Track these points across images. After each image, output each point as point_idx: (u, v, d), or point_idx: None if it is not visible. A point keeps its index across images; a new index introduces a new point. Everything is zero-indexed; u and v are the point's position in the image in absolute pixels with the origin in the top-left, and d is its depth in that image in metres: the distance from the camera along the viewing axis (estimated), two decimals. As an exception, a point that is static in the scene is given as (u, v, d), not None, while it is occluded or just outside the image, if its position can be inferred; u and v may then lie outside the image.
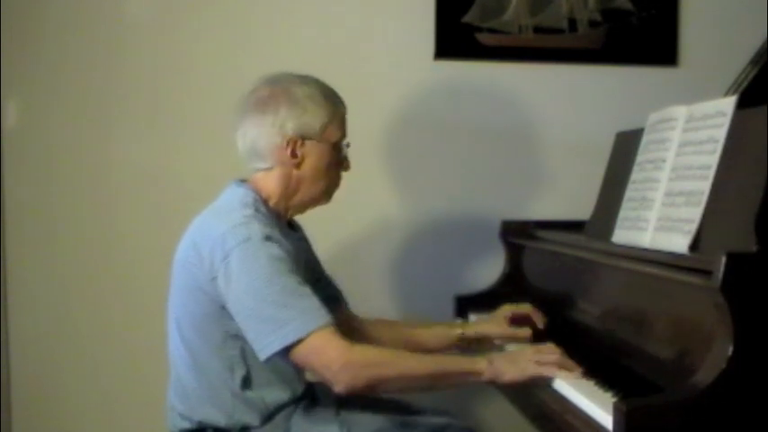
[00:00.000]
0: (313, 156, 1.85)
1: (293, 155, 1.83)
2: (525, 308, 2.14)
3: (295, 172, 1.85)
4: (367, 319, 2.12)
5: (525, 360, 1.75)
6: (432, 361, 1.81)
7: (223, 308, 1.72)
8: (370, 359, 1.71)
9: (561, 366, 1.72)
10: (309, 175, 1.86)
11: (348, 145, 1.92)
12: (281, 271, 1.69)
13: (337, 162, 1.89)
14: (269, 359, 1.69)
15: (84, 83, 2.61)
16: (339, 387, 1.68)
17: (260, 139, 1.84)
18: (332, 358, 1.66)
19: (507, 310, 2.13)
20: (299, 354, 1.67)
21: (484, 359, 1.76)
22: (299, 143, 1.83)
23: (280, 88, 1.84)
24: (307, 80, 1.87)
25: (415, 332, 2.12)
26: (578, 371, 1.71)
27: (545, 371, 1.72)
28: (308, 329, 1.66)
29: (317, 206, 1.94)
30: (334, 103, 1.87)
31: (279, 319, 1.66)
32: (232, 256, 1.69)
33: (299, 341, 1.65)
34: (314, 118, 1.83)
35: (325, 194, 1.91)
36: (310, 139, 1.83)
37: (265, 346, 1.67)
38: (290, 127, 1.82)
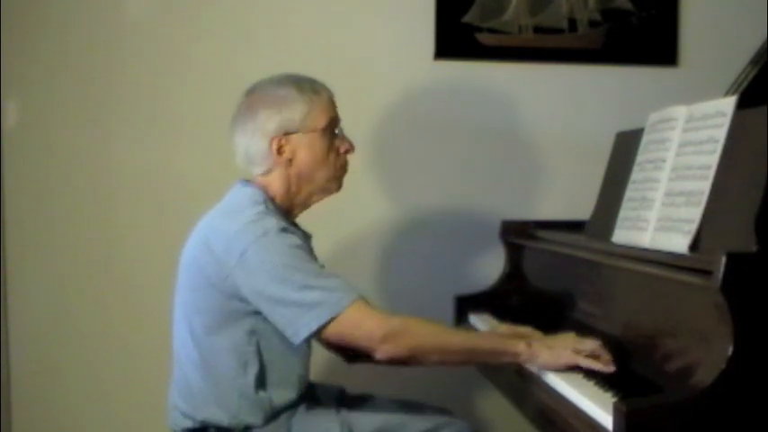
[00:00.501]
0: (303, 147, 1.85)
1: (279, 151, 1.84)
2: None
3: (291, 169, 1.86)
4: None
5: (562, 347, 1.75)
6: (471, 336, 1.84)
7: (240, 303, 1.74)
8: (412, 328, 1.73)
9: (597, 358, 1.71)
10: (306, 168, 1.86)
11: (341, 129, 1.91)
12: (302, 257, 1.73)
13: (332, 146, 1.89)
14: (302, 342, 1.71)
15: (84, 83, 2.61)
16: (381, 355, 1.70)
17: (250, 148, 1.85)
18: (372, 328, 1.69)
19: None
20: (337, 329, 1.69)
21: (523, 341, 1.78)
22: (282, 139, 1.84)
23: (255, 95, 1.87)
24: (280, 79, 1.88)
25: None
26: (613, 367, 1.69)
27: (580, 361, 1.72)
28: (343, 305, 1.68)
29: (329, 195, 1.93)
30: (312, 91, 1.87)
31: (310, 300, 1.68)
32: (249, 252, 1.70)
33: (334, 318, 1.68)
34: (292, 111, 1.84)
35: (334, 181, 1.91)
36: (294, 132, 1.84)
37: (300, 328, 1.69)
38: (271, 127, 1.83)
